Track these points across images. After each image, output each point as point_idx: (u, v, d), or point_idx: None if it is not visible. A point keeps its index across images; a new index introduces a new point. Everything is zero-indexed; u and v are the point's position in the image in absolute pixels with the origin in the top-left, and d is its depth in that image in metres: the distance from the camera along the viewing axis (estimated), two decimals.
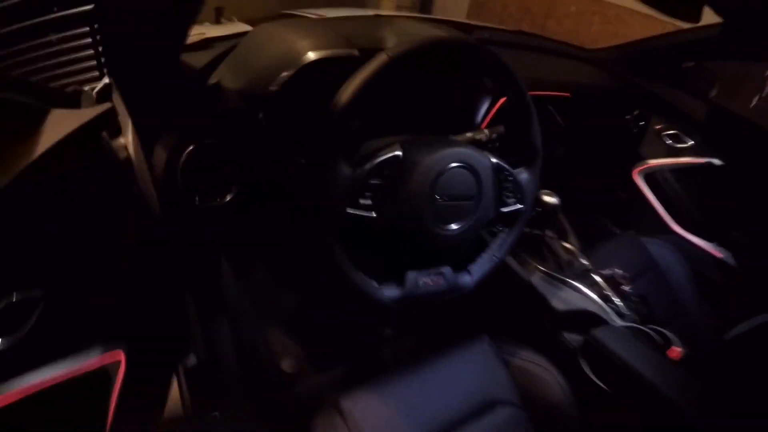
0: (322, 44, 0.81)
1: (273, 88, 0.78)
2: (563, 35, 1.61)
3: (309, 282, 1.35)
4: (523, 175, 0.84)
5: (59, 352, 0.75)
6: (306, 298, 1.38)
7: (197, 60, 0.88)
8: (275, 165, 0.84)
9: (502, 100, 1.00)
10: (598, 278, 1.14)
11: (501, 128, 0.91)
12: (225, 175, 0.82)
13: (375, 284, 0.75)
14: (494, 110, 1.01)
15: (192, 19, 0.64)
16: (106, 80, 0.87)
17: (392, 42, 0.84)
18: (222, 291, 1.11)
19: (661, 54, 1.36)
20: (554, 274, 1.14)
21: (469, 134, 0.91)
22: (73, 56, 1.12)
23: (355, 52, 0.81)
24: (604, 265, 1.25)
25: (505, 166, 0.82)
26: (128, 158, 0.78)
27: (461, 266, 0.84)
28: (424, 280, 0.79)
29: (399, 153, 0.74)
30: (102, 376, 0.80)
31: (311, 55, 0.79)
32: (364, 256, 0.75)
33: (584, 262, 1.17)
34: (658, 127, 1.46)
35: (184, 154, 0.78)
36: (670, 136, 1.45)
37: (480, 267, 0.85)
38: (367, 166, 0.73)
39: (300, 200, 0.79)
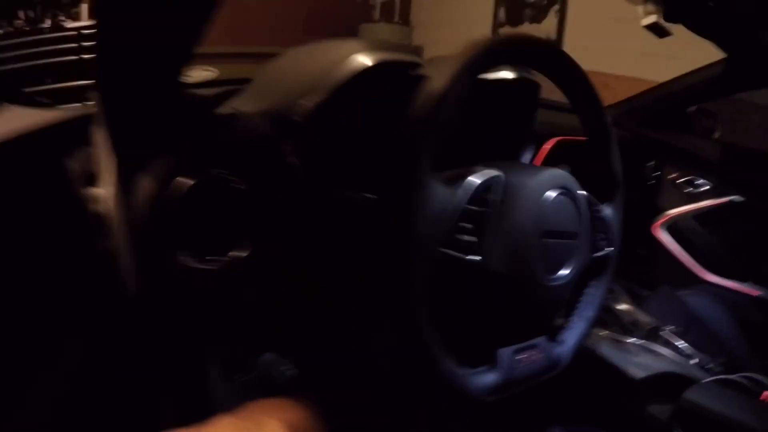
0: (380, 48, 0.67)
1: (309, 103, 0.63)
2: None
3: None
4: (608, 211, 0.72)
5: None
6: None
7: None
8: (315, 206, 0.65)
9: (548, 144, 0.96)
10: (669, 334, 1.07)
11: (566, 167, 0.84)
12: (232, 224, 0.61)
13: (463, 369, 0.58)
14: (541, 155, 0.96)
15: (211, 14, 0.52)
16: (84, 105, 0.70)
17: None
18: (206, 395, 0.88)
19: (665, 103, 1.37)
20: (622, 338, 1.06)
21: None
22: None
23: (421, 61, 0.69)
24: None
25: (593, 198, 0.70)
26: (102, 212, 0.59)
27: (553, 334, 0.69)
28: (520, 357, 0.62)
29: (501, 173, 0.60)
30: None
31: (367, 60, 0.65)
32: (445, 326, 0.57)
33: (649, 319, 1.10)
34: (672, 176, 1.44)
35: (179, 191, 0.57)
36: (687, 183, 1.44)
37: (574, 332, 0.70)
38: (466, 185, 0.57)
39: (360, 250, 0.61)
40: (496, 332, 0.64)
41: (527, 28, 3.47)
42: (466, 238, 0.56)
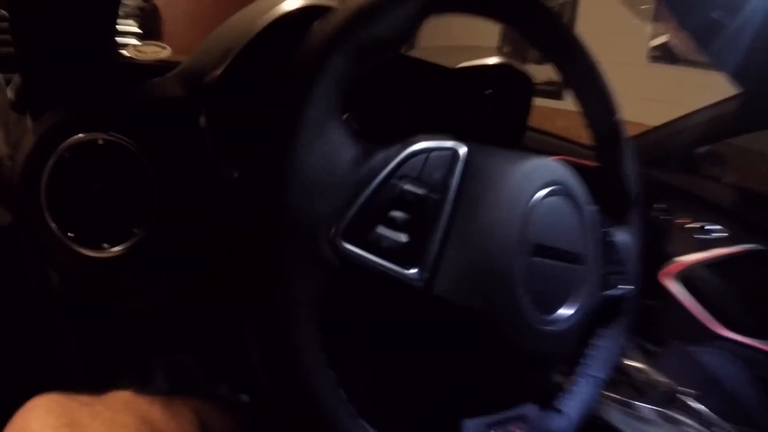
0: None
1: (223, 62, 0.51)
2: None
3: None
4: (621, 236, 0.56)
5: None
6: None
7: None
8: (214, 187, 0.52)
9: None
10: (691, 400, 0.93)
11: None
12: (125, 206, 0.49)
13: None
14: None
15: None
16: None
17: None
18: None
19: (674, 141, 1.28)
20: (635, 402, 0.92)
21: None
22: None
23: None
24: None
25: (603, 216, 0.53)
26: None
27: (547, 400, 0.52)
28: None
29: (462, 148, 0.40)
30: None
31: (290, 4, 0.52)
32: (364, 380, 0.40)
33: (664, 380, 0.97)
34: (681, 221, 1.34)
35: (61, 150, 0.47)
36: (698, 229, 1.33)
37: (577, 400, 0.53)
38: (397, 149, 0.37)
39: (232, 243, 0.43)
40: (458, 395, 0.47)
41: (530, 68, 3.49)
42: (392, 235, 0.34)
